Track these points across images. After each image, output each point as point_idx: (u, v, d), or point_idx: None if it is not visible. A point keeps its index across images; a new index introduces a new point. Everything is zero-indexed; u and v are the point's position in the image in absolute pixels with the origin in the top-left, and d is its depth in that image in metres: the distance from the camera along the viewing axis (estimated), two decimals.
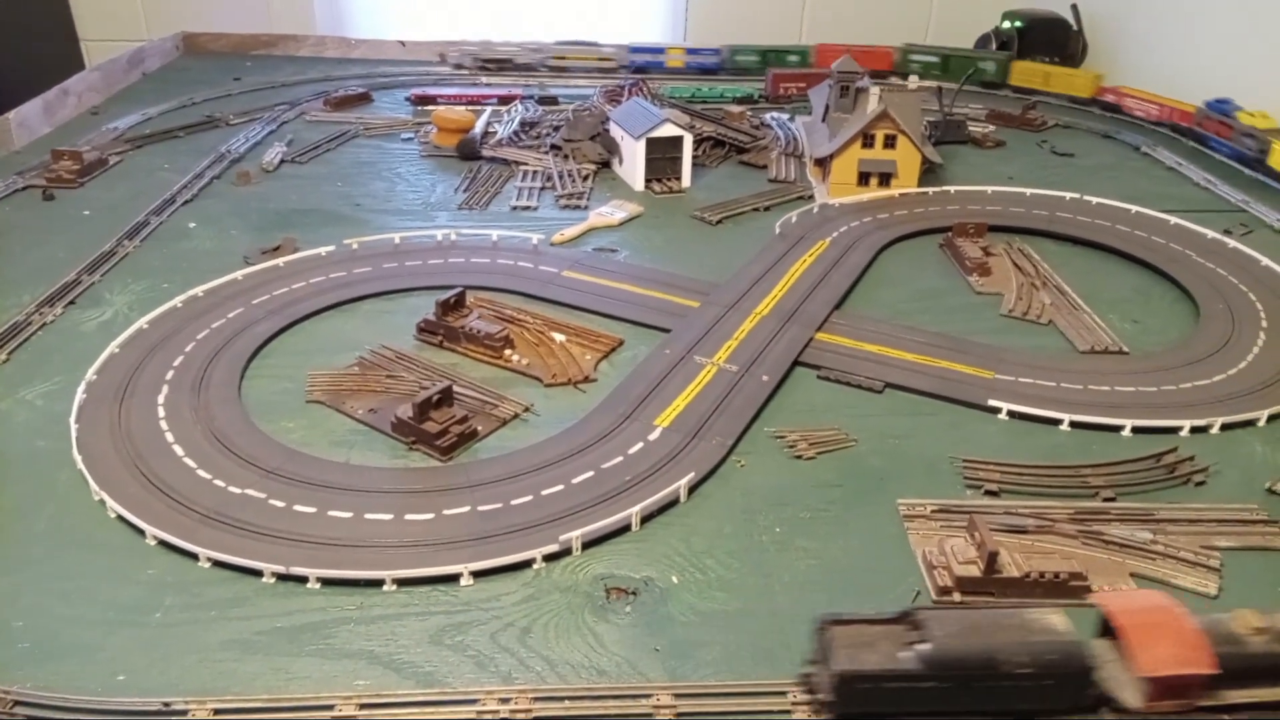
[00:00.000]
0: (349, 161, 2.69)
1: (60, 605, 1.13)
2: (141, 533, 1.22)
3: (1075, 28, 3.66)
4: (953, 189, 2.43)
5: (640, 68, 3.59)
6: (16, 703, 0.98)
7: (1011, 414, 1.51)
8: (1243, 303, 1.86)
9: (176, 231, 2.18)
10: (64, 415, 1.45)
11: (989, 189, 2.43)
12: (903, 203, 2.34)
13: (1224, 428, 1.48)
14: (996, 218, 2.25)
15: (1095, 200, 2.34)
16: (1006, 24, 3.68)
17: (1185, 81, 3.13)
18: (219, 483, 1.31)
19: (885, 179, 2.38)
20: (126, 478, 1.31)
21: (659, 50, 3.61)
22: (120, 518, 1.25)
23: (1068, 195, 2.37)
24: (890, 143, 2.34)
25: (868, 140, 2.35)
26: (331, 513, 1.25)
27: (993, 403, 1.52)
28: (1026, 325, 1.81)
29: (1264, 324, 1.77)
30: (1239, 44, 2.92)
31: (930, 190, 2.41)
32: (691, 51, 3.61)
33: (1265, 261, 2.02)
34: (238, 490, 1.29)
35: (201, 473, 1.33)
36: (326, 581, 1.16)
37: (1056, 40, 3.66)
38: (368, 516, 1.25)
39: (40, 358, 1.65)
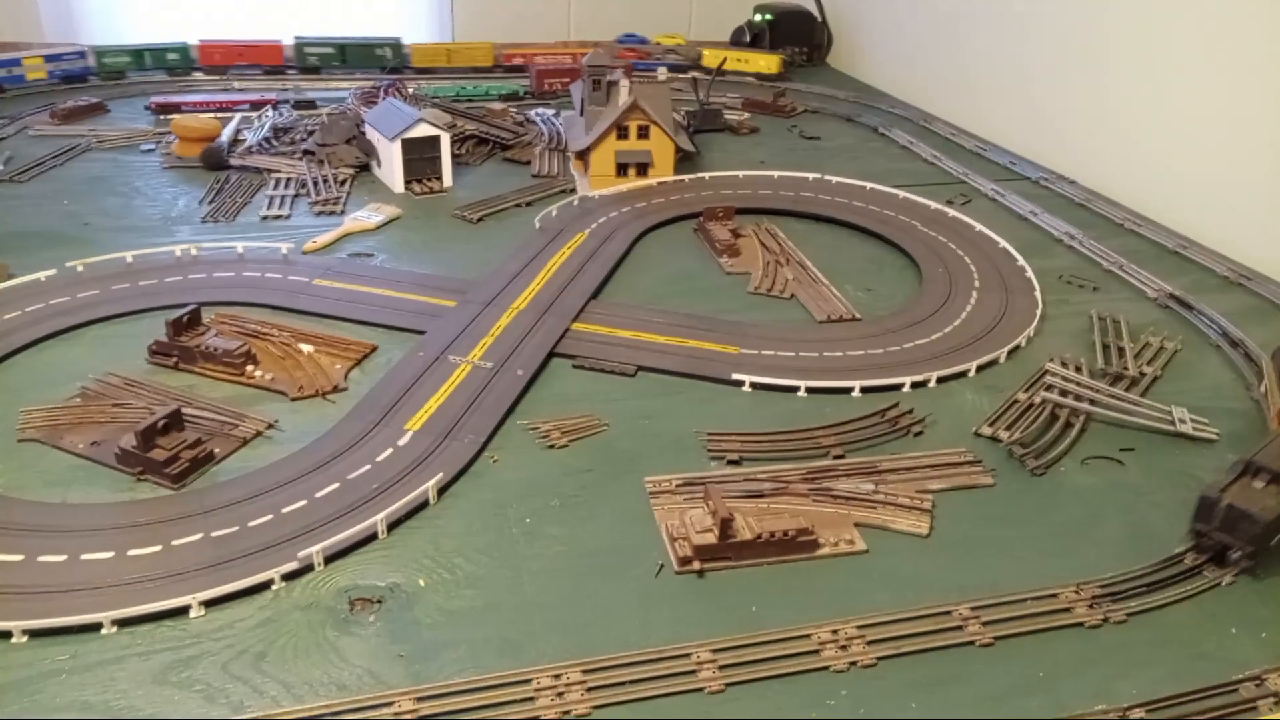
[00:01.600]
0: (79, 177, 2.48)
1: None
2: None
3: (820, 19, 3.90)
4: (708, 175, 2.53)
5: None
6: None
7: (754, 385, 1.59)
8: (959, 267, 2.04)
9: None
10: None
11: (741, 174, 2.54)
12: (660, 191, 2.42)
13: (940, 380, 1.62)
14: (747, 200, 2.36)
15: (835, 179, 2.50)
16: (758, 17, 3.87)
17: (920, 70, 3.40)
18: None
19: (642, 169, 2.44)
20: None
21: (14, 63, 3.14)
22: None
23: (811, 176, 2.52)
24: (644, 133, 2.41)
25: (622, 132, 2.40)
26: (42, 558, 1.15)
27: (736, 376, 1.59)
28: (771, 301, 1.91)
29: (976, 284, 1.95)
30: (955, 44, 3.21)
31: (687, 178, 2.49)
32: (51, 59, 3.21)
33: (979, 227, 2.22)
34: None
35: None
36: (34, 633, 1.06)
37: (804, 32, 3.89)
38: (84, 557, 1.16)
39: None
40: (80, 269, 1.89)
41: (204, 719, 0.97)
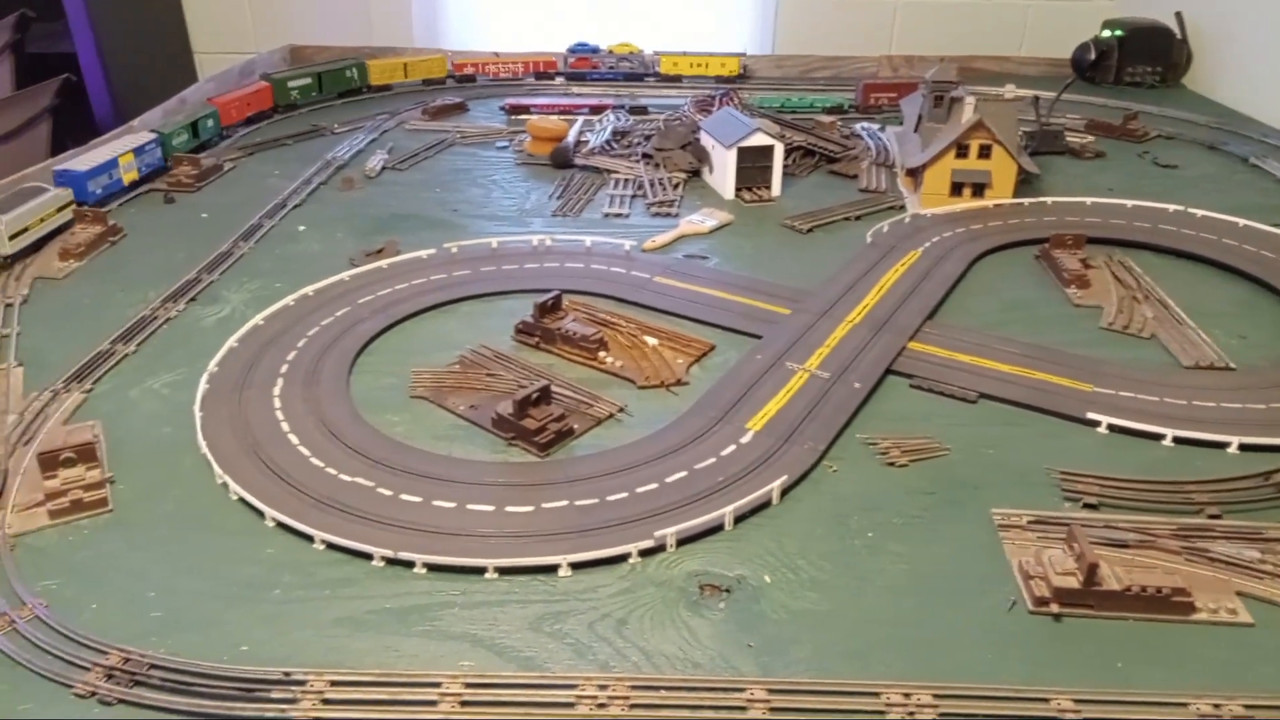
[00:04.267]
0: (446, 169, 2.78)
1: (187, 580, 1.20)
2: (261, 515, 1.30)
3: (1179, 37, 3.56)
4: (1049, 200, 2.39)
5: None
6: (152, 666, 1.05)
7: (1111, 428, 1.48)
8: None
9: (287, 234, 2.29)
10: (187, 404, 1.54)
11: (1088, 200, 2.38)
12: (997, 214, 2.32)
13: None
14: (1095, 229, 2.21)
15: (1200, 213, 2.28)
16: (1106, 33, 3.61)
17: None
18: (331, 470, 1.38)
19: (979, 190, 2.36)
20: (246, 463, 1.39)
21: (112, 165, 2.43)
22: (241, 500, 1.33)
23: (1171, 207, 2.31)
24: (985, 153, 2.32)
25: (961, 150, 2.33)
26: (436, 502, 1.31)
27: (1092, 415, 1.49)
28: (1126, 339, 1.78)
29: None
30: None
31: (1026, 201, 2.37)
32: (138, 151, 2.53)
33: None
34: (348, 478, 1.36)
35: (314, 460, 1.40)
36: (432, 567, 1.21)
37: (1159, 50, 3.57)
38: (470, 507, 1.30)
39: (165, 350, 1.75)
40: (454, 250, 2.12)
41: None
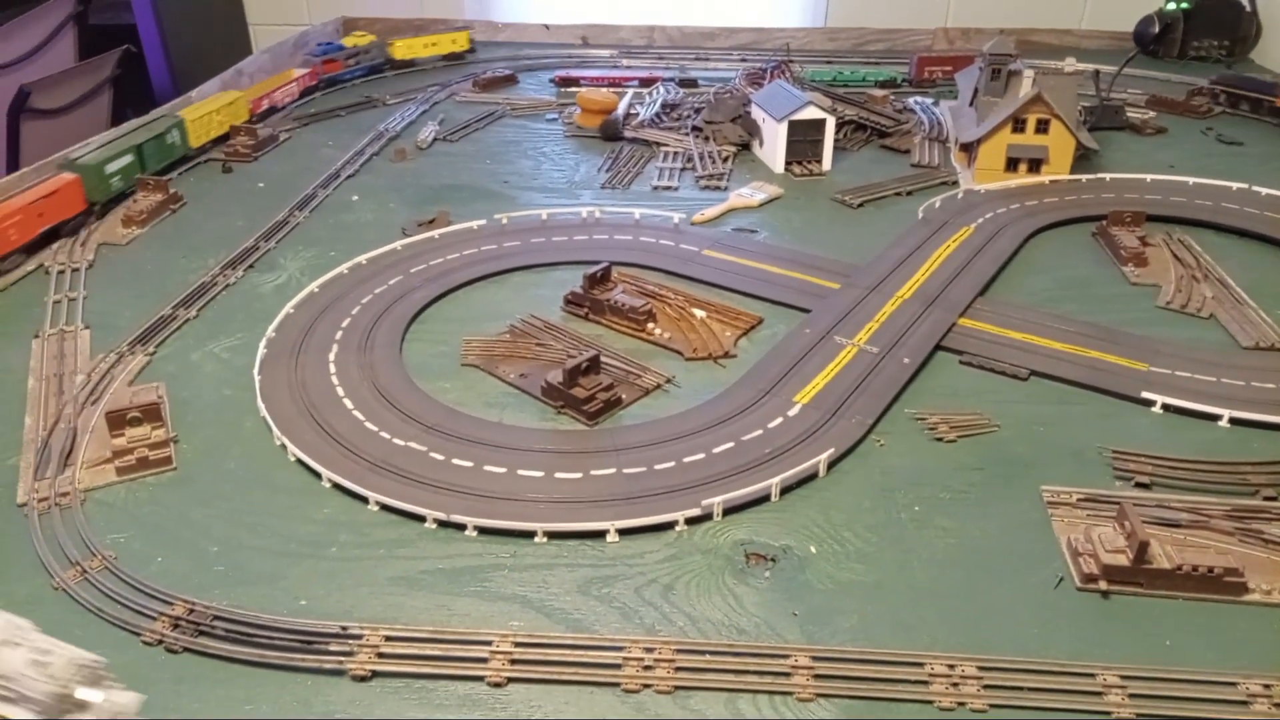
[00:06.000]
0: (496, 140, 2.79)
1: (248, 536, 1.24)
2: (318, 476, 1.33)
3: (1249, 9, 3.45)
4: (1108, 176, 2.34)
5: None
6: (215, 617, 1.09)
7: (1166, 407, 1.46)
8: None
9: (341, 204, 2.32)
10: (247, 367, 1.58)
11: (1148, 177, 2.33)
12: (1053, 190, 2.28)
13: None
14: (1155, 207, 2.16)
15: (1265, 191, 2.21)
16: (1172, 5, 3.50)
17: None
18: (384, 435, 1.41)
19: (1035, 165, 2.32)
20: (303, 426, 1.43)
21: None
22: (299, 461, 1.36)
23: (1234, 186, 2.25)
24: (1042, 127, 2.28)
25: (1018, 125, 2.29)
26: (487, 467, 1.33)
27: (1147, 395, 1.47)
28: (1185, 318, 1.74)
29: None
30: None
31: (1084, 178, 2.33)
32: None
33: None
34: (401, 442, 1.39)
35: (369, 425, 1.43)
36: (483, 530, 1.23)
37: (1227, 22, 3.47)
38: (520, 473, 1.32)
39: (225, 315, 1.80)
40: (504, 221, 2.14)
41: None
